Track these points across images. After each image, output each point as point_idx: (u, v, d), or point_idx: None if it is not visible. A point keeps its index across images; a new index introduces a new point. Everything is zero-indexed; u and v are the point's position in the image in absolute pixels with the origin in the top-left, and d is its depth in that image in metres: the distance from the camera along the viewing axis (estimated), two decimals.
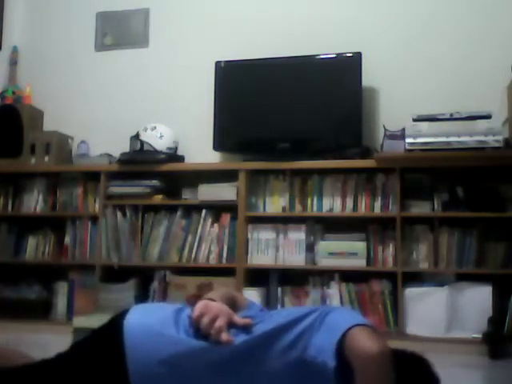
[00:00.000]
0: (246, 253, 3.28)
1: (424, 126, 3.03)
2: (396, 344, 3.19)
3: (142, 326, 1.24)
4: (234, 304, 1.36)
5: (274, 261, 3.27)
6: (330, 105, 3.34)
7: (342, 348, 1.15)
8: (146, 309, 1.34)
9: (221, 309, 1.26)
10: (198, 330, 1.24)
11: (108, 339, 1.25)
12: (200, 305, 1.27)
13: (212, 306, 1.27)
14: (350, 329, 1.16)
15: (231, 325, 1.25)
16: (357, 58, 3.31)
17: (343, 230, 3.21)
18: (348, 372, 1.15)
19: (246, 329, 1.24)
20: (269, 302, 3.24)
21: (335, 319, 1.21)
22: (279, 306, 3.21)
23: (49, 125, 3.88)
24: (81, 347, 1.29)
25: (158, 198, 3.42)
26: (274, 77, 3.46)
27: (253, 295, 3.16)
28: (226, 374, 1.21)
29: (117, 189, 3.48)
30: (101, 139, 3.75)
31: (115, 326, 1.25)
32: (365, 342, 1.12)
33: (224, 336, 1.21)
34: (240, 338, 1.23)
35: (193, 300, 1.34)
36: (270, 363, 1.21)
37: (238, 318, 1.27)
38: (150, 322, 1.25)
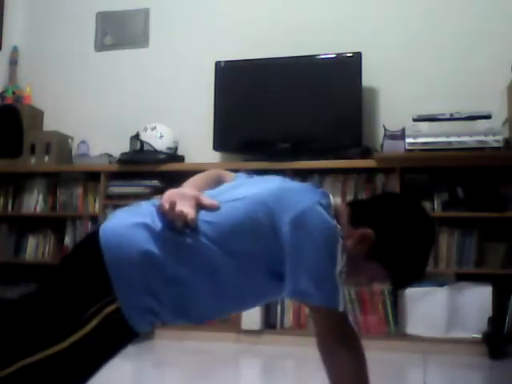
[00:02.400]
0: None
1: (424, 126, 3.03)
2: (396, 344, 3.21)
3: (117, 223, 1.21)
4: (219, 185, 1.35)
5: None
6: (330, 105, 3.34)
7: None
8: (122, 210, 1.29)
9: (183, 193, 1.24)
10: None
11: (85, 246, 1.23)
12: (165, 193, 1.25)
13: (175, 193, 1.24)
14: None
15: (201, 207, 1.22)
16: (357, 57, 3.31)
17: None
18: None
19: (212, 210, 1.21)
20: (268, 302, 3.23)
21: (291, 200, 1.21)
22: (279, 306, 3.21)
23: (49, 125, 3.88)
24: (64, 260, 1.27)
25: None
26: (274, 77, 3.46)
27: None
28: (193, 256, 1.18)
29: (117, 189, 3.48)
30: (101, 139, 3.75)
31: (92, 233, 1.22)
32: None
33: (181, 222, 1.17)
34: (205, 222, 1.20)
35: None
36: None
37: (205, 199, 1.23)
38: (124, 217, 1.23)
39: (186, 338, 3.10)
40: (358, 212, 1.27)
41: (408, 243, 1.25)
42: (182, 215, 1.17)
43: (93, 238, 1.18)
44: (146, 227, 1.17)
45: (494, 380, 2.60)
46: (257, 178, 1.37)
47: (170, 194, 1.24)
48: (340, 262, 1.17)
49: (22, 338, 1.13)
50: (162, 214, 1.20)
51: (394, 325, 3.05)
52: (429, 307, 2.99)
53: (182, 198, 1.21)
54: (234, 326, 3.12)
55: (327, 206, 1.19)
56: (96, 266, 1.15)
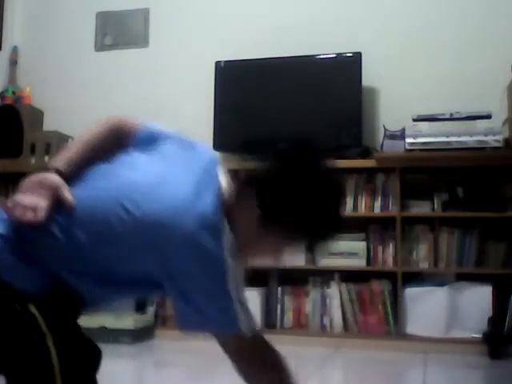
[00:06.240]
0: None
1: (424, 126, 3.03)
2: (396, 344, 3.21)
3: None
4: (118, 142, 1.21)
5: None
6: (329, 105, 3.34)
7: None
8: None
9: (42, 181, 1.10)
10: None
11: None
12: (24, 181, 1.12)
13: (33, 181, 1.11)
14: None
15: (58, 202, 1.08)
16: (357, 57, 3.31)
17: (343, 230, 3.20)
18: None
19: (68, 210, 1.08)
20: (269, 302, 3.24)
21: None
22: (279, 306, 3.21)
23: (49, 125, 3.88)
24: None
25: None
26: (274, 77, 3.46)
27: (253, 295, 3.16)
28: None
29: None
30: None
31: None
32: None
33: (26, 219, 1.05)
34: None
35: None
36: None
37: (66, 195, 1.09)
38: None
39: (185, 338, 3.09)
40: (239, 185, 1.17)
41: (292, 195, 1.11)
42: (28, 212, 1.06)
43: None
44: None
45: (494, 380, 2.60)
46: (144, 160, 1.19)
47: (28, 182, 1.12)
48: (234, 287, 1.08)
49: None
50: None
51: (393, 325, 3.05)
52: (429, 307, 2.99)
53: (39, 187, 1.09)
54: None
55: (215, 214, 1.08)
56: None
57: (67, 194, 1.09)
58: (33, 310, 1.07)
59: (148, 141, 1.25)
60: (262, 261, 1.26)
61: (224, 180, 1.17)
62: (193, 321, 1.11)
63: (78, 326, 1.15)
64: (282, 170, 1.15)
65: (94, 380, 1.13)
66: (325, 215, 1.15)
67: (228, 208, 1.11)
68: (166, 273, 1.08)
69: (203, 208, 1.08)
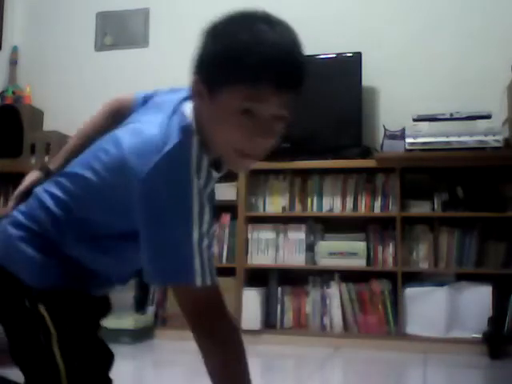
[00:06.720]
0: (246, 253, 3.28)
1: (424, 125, 3.03)
2: (396, 344, 3.21)
3: None
4: (118, 119, 1.22)
5: (273, 261, 3.27)
6: (330, 105, 3.34)
7: None
8: None
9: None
10: None
11: None
12: None
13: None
14: None
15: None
16: (357, 57, 3.31)
17: (343, 230, 3.21)
18: None
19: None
20: (269, 302, 3.24)
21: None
22: (279, 306, 3.21)
23: (49, 125, 3.88)
24: None
25: None
26: None
27: (253, 295, 3.16)
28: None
29: None
30: None
31: None
32: None
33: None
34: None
35: None
36: None
37: (17, 192, 1.24)
38: None
39: (185, 338, 3.09)
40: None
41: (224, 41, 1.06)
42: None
43: None
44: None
45: (494, 380, 2.60)
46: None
47: None
48: (198, 218, 0.97)
49: None
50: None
51: (393, 325, 3.05)
52: (429, 307, 2.99)
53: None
54: None
55: (179, 144, 1.00)
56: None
57: (17, 193, 1.23)
58: (42, 309, 1.07)
59: (143, 103, 1.25)
60: (254, 153, 1.05)
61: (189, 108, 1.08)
62: (155, 269, 1.00)
63: (95, 327, 1.15)
64: (213, 39, 1.10)
65: (107, 382, 1.13)
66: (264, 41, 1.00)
67: (197, 128, 1.04)
68: (137, 216, 1.01)
69: (162, 143, 1.01)
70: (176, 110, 1.07)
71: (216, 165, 1.08)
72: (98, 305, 1.17)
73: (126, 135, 1.07)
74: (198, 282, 0.96)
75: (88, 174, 1.09)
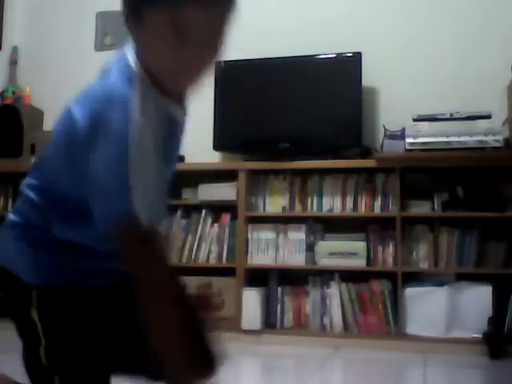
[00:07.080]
0: (246, 253, 3.28)
1: (424, 125, 3.03)
2: (396, 344, 3.21)
3: None
4: None
5: (274, 261, 3.27)
6: (329, 105, 3.34)
7: None
8: None
9: None
10: None
11: None
12: None
13: None
14: None
15: None
16: (357, 57, 3.31)
17: (343, 230, 3.21)
18: None
19: None
20: (269, 302, 3.24)
21: None
22: (279, 306, 3.21)
23: (49, 125, 3.87)
24: None
25: None
26: (274, 77, 3.46)
27: (253, 295, 3.16)
28: None
29: None
30: None
31: None
32: None
33: None
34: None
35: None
36: None
37: None
38: None
39: None
40: None
41: None
42: None
43: None
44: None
45: (494, 380, 2.60)
46: None
47: None
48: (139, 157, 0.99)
49: None
50: None
51: (393, 325, 3.05)
52: (429, 307, 2.99)
53: None
54: (234, 326, 3.12)
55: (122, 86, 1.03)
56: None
57: None
58: (34, 314, 1.09)
59: None
60: (190, 66, 1.11)
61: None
62: (101, 211, 1.02)
63: (96, 325, 1.13)
64: None
65: None
66: None
67: (143, 68, 1.06)
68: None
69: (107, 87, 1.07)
70: (114, 66, 1.10)
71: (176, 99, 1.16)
72: (99, 299, 1.14)
73: (76, 104, 1.14)
74: (135, 211, 0.97)
75: (51, 151, 1.14)
